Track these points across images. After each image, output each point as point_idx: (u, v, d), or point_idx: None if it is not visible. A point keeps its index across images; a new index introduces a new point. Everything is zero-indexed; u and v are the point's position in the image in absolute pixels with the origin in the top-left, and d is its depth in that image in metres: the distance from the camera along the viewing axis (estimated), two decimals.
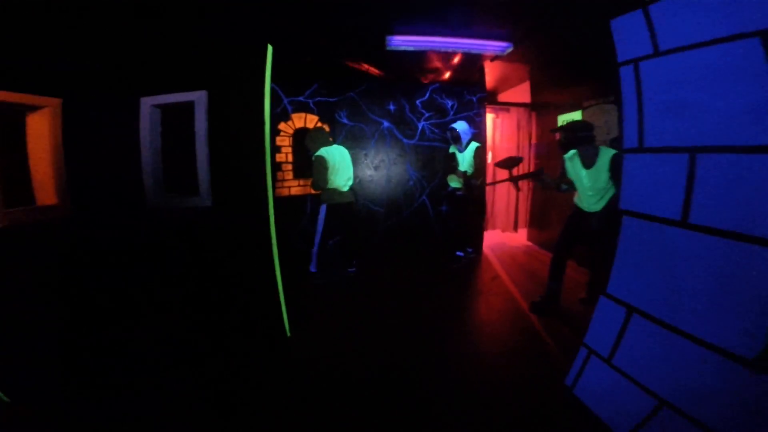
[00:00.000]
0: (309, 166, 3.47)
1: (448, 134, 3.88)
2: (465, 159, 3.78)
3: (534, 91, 5.00)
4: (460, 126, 3.77)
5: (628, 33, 1.49)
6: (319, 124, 4.24)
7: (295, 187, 4.24)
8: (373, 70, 4.17)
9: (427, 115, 4.59)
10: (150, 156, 2.24)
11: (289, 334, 2.40)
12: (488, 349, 2.26)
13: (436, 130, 4.61)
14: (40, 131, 2.09)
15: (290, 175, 4.21)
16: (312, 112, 4.23)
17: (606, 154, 2.47)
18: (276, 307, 2.34)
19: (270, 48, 2.15)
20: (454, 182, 3.93)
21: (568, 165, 2.71)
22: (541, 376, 1.97)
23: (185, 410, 1.70)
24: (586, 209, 2.64)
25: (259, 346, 2.31)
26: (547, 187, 2.89)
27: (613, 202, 2.51)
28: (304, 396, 1.81)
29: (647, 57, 1.41)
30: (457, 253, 4.13)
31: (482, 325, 2.61)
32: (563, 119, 4.29)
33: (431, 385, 1.89)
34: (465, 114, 4.62)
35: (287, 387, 1.89)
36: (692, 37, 1.23)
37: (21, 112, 2.07)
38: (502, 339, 2.38)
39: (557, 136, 2.72)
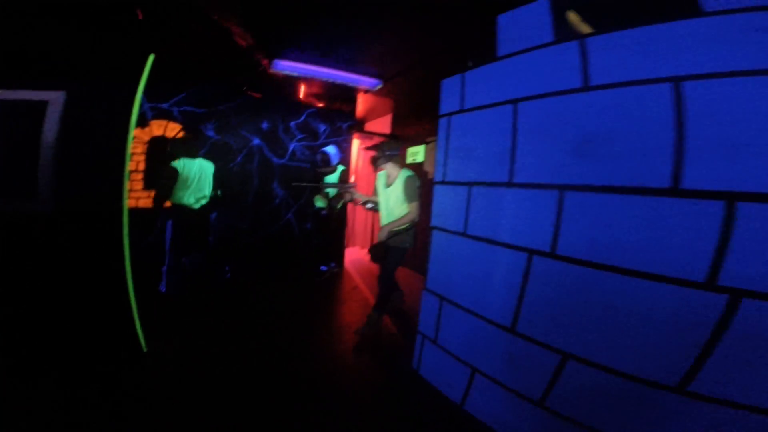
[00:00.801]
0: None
1: (318, 157, 4.14)
2: (331, 180, 4.13)
3: (394, 123, 5.74)
4: (331, 150, 4.10)
5: (449, 92, 2.00)
6: (181, 134, 4.06)
7: (144, 199, 3.93)
8: (256, 94, 4.28)
9: (299, 136, 4.83)
10: None
11: (145, 349, 2.27)
12: (349, 346, 2.55)
13: (307, 152, 4.88)
14: None
15: (139, 185, 3.89)
16: (175, 121, 4.03)
17: (402, 175, 2.61)
18: (129, 323, 2.21)
19: (152, 57, 2.13)
20: (320, 202, 4.24)
21: (377, 183, 2.89)
22: (393, 363, 2.34)
23: None
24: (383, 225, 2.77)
25: (111, 364, 2.13)
26: (354, 201, 3.26)
27: (398, 222, 2.61)
28: (163, 410, 1.77)
29: (456, 112, 1.93)
30: (321, 267, 4.41)
31: (344, 327, 2.89)
32: (411, 151, 5.07)
33: (299, 383, 2.05)
34: (335, 139, 5.02)
35: (144, 403, 1.81)
36: (478, 101, 1.78)
37: None
38: (364, 339, 2.72)
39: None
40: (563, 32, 1.40)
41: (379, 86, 4.09)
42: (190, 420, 1.71)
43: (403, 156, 5.23)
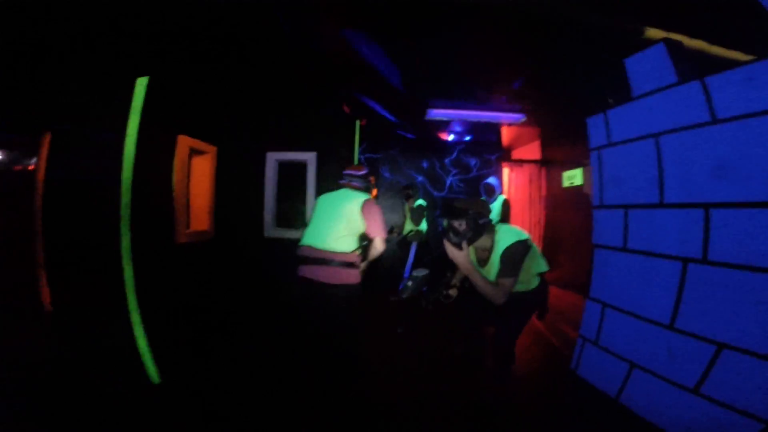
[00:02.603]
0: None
1: (482, 188, 4.71)
2: (494, 209, 4.68)
3: (543, 149, 5.93)
4: (493, 181, 4.66)
5: (595, 128, 2.37)
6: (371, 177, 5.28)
7: None
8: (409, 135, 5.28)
9: (454, 171, 5.59)
10: (270, 197, 3.25)
11: None
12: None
13: (461, 185, 5.57)
14: (203, 171, 2.93)
15: None
16: (362, 165, 5.28)
17: (500, 245, 1.86)
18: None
19: (358, 122, 3.21)
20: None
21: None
22: (555, 366, 2.69)
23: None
24: None
25: None
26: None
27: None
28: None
29: (605, 146, 2.29)
30: None
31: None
32: (567, 175, 5.17)
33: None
34: (485, 171, 5.58)
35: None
36: (623, 135, 2.12)
37: (189, 155, 2.73)
38: (525, 346, 3.11)
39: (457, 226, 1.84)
40: (684, 73, 1.70)
41: (522, 119, 4.50)
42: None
43: (559, 180, 5.38)
